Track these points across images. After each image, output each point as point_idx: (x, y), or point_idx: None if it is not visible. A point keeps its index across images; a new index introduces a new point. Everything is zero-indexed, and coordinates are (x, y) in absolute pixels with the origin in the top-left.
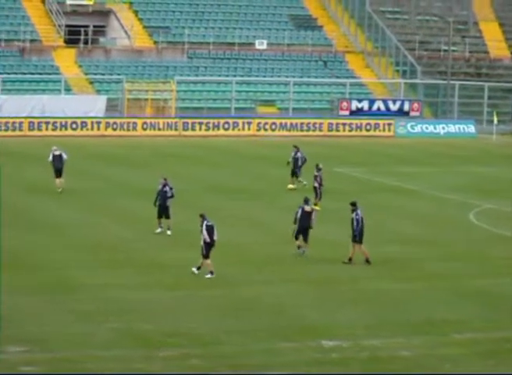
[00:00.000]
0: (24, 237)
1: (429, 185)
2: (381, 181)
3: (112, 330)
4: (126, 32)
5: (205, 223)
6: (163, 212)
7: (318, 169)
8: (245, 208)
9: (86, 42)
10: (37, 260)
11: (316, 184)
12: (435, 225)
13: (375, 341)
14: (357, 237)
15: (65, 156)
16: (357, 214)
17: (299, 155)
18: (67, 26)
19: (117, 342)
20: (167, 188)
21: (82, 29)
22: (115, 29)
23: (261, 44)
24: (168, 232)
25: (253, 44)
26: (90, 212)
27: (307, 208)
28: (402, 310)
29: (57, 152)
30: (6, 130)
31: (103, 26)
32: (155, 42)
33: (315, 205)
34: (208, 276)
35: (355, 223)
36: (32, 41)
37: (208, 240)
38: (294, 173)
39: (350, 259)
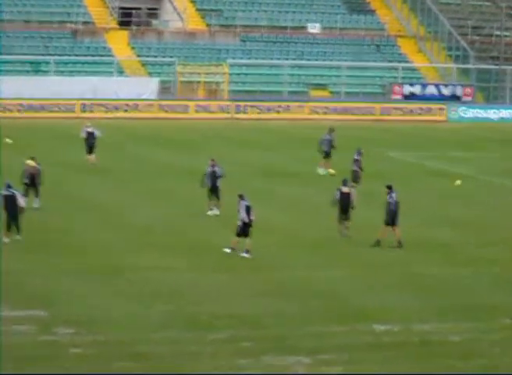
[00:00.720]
0: (74, 219)
1: (481, 170)
2: (433, 165)
3: (161, 312)
4: (178, 14)
5: (243, 203)
6: (213, 192)
7: (359, 154)
8: (296, 192)
9: (138, 24)
10: (86, 242)
11: (356, 168)
12: (486, 210)
13: (426, 325)
14: (390, 220)
15: (97, 133)
16: (390, 197)
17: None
18: (120, 8)
19: (167, 324)
20: (216, 168)
21: (135, 11)
22: (167, 11)
23: (313, 28)
24: (217, 212)
25: (305, 27)
26: (141, 194)
27: (345, 189)
28: (451, 295)
29: (90, 129)
30: (59, 111)
31: (156, 9)
32: (208, 25)
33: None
34: (228, 250)
35: (388, 206)
36: (85, 22)
37: (246, 220)
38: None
39: (378, 242)
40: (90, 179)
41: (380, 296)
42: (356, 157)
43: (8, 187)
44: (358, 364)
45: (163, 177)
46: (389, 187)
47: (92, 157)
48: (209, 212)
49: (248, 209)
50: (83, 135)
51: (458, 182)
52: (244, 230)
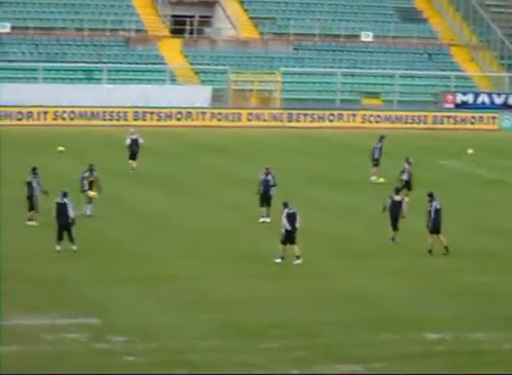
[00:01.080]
0: (124, 227)
1: None
2: (484, 175)
3: (210, 320)
4: (231, 23)
5: (286, 211)
6: (265, 200)
7: (408, 163)
8: (347, 200)
9: (191, 32)
10: (136, 250)
11: (406, 177)
12: None
13: (478, 334)
14: (432, 227)
15: (141, 140)
16: (431, 205)
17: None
18: (172, 16)
19: (216, 333)
20: (269, 177)
21: (187, 19)
22: (220, 19)
23: (366, 37)
24: (268, 219)
25: (358, 36)
26: (192, 201)
27: (397, 197)
28: (502, 303)
29: (134, 136)
30: (111, 119)
31: (209, 17)
32: (261, 33)
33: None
34: (278, 260)
35: (429, 214)
36: (137, 30)
37: (288, 228)
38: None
39: (430, 251)
40: (143, 187)
41: (431, 304)
42: (406, 166)
43: (64, 195)
44: (411, 373)
45: (216, 185)
46: (431, 195)
47: (134, 163)
48: (261, 220)
49: (292, 217)
50: (128, 142)
51: (470, 151)
52: (288, 238)
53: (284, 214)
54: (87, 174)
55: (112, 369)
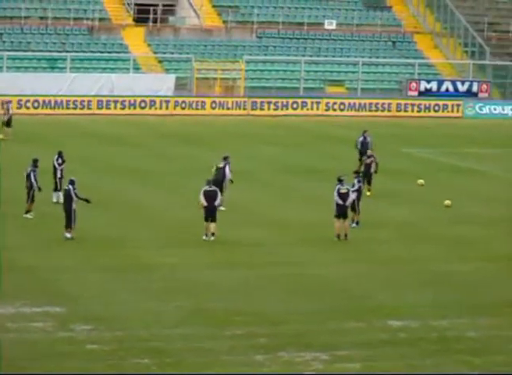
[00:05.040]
0: (97, 216)
1: (497, 166)
2: (448, 162)
3: (180, 308)
4: (195, 11)
5: (205, 188)
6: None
7: (368, 157)
8: (312, 188)
9: (155, 21)
10: (106, 238)
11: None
12: (503, 206)
13: (443, 321)
14: (339, 211)
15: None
16: (338, 189)
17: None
18: (136, 4)
19: (185, 321)
20: (227, 166)
21: (151, 8)
22: (184, 8)
23: (330, 25)
24: (222, 208)
25: (322, 24)
26: (158, 190)
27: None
28: (469, 291)
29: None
30: (75, 108)
31: (172, 5)
32: (224, 21)
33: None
34: (204, 237)
35: (336, 199)
36: (101, 19)
37: (205, 204)
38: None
39: (339, 236)
40: (110, 176)
41: (398, 292)
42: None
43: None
44: (375, 360)
45: (180, 173)
46: (340, 180)
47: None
48: (222, 208)
49: (210, 195)
50: None
51: (421, 181)
52: (208, 215)
53: (202, 191)
54: (59, 161)
55: (74, 358)
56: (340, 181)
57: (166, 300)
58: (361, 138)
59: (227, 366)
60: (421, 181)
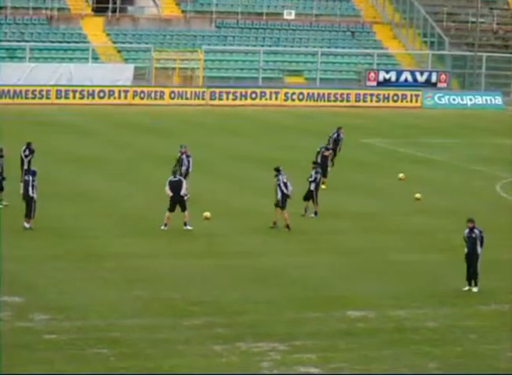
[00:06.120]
0: (53, 205)
1: (456, 156)
2: (408, 152)
3: (138, 298)
4: (153, 1)
5: (169, 179)
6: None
7: (327, 149)
8: (270, 178)
9: (114, 11)
10: (64, 227)
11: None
12: (461, 196)
13: (402, 311)
14: (280, 202)
15: None
16: (278, 179)
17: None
18: None
19: (143, 310)
20: (184, 156)
21: None
22: None
23: (289, 14)
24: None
25: (281, 14)
26: (117, 180)
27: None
28: (429, 281)
29: None
30: (34, 98)
31: None
32: (183, 11)
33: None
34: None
35: (278, 189)
36: (60, 9)
37: (170, 194)
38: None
39: (275, 223)
40: (67, 166)
41: (356, 282)
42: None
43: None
44: (333, 351)
45: (141, 164)
46: (277, 170)
47: None
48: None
49: (175, 185)
50: None
51: (402, 175)
52: (173, 205)
53: (167, 182)
54: (26, 152)
55: (33, 348)
56: (278, 171)
57: (124, 290)
58: (335, 135)
59: (185, 356)
60: (401, 175)
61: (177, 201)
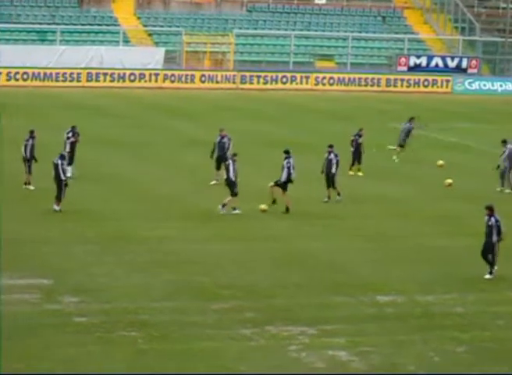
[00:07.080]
0: (85, 188)
1: (486, 142)
2: (437, 137)
3: (168, 281)
4: None
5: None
6: (222, 163)
7: (360, 136)
8: (300, 162)
9: None
10: (94, 210)
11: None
12: (491, 182)
13: (430, 296)
14: (284, 184)
15: None
16: (288, 162)
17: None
18: None
19: (172, 294)
20: (225, 139)
21: None
22: None
23: None
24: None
25: None
26: (148, 163)
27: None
28: (457, 267)
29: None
30: (64, 80)
31: None
32: None
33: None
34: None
35: (286, 171)
36: None
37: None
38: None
39: (274, 201)
40: (101, 149)
41: (385, 267)
42: (352, 137)
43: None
44: (362, 335)
45: (172, 147)
46: (287, 152)
47: None
48: (213, 182)
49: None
50: None
51: (441, 162)
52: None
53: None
54: (70, 135)
55: (62, 330)
56: (288, 154)
57: (153, 273)
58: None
59: (214, 339)
60: (441, 162)
61: (227, 185)
